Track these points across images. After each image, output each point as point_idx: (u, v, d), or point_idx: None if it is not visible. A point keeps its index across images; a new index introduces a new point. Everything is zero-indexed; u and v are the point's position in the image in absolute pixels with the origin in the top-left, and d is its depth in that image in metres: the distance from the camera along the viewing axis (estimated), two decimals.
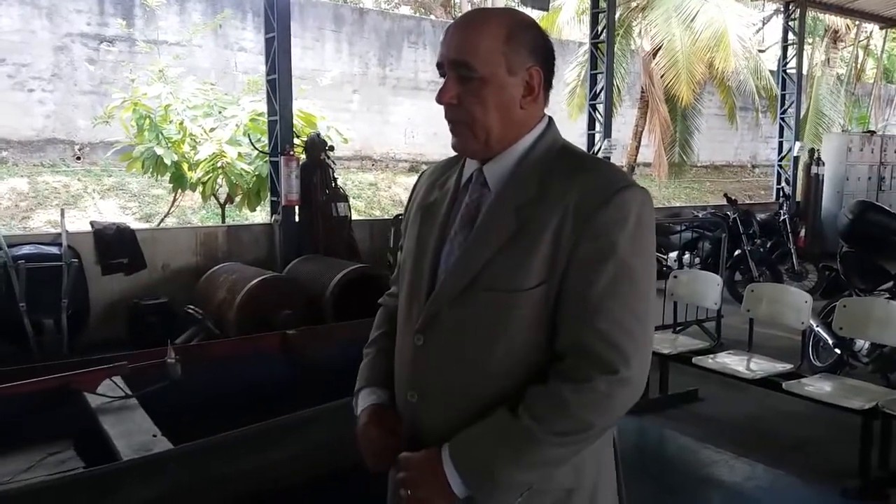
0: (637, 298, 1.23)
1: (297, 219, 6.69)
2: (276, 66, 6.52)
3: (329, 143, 6.84)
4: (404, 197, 10.94)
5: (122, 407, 2.89)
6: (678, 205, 13.45)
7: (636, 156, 13.34)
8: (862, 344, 4.76)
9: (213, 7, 11.69)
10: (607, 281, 1.20)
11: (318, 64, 12.45)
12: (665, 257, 8.33)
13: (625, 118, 14.02)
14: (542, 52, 1.32)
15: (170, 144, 7.41)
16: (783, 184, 11.38)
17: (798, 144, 11.27)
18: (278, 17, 6.47)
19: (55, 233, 5.85)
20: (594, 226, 1.21)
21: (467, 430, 1.24)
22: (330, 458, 2.46)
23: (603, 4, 8.72)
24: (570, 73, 12.27)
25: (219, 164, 7.31)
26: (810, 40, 16.92)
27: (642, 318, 1.23)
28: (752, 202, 12.70)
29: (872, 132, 12.89)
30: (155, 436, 2.62)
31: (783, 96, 11.34)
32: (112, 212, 10.04)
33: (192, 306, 5.45)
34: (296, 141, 6.78)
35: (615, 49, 9.49)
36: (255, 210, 8.11)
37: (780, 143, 11.48)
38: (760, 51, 14.82)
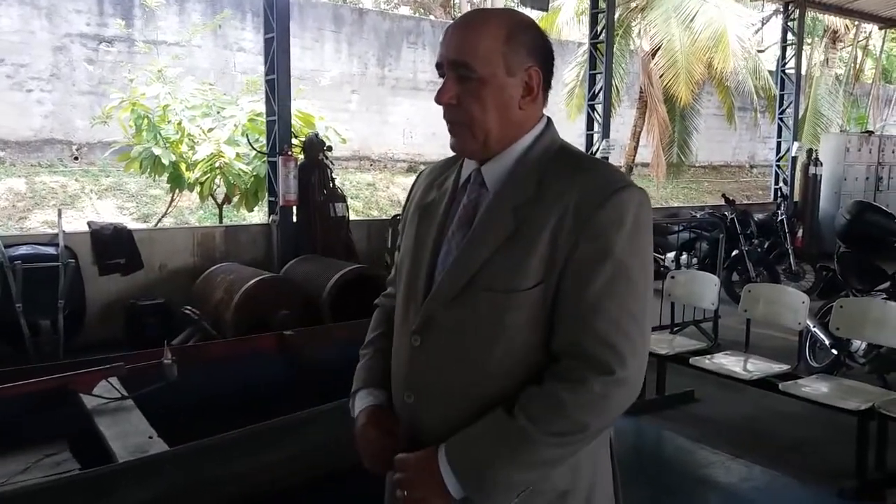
0: (634, 299, 1.22)
1: (294, 219, 6.69)
2: (274, 67, 6.51)
3: (327, 144, 6.84)
4: (402, 197, 10.96)
5: (119, 408, 2.88)
6: (676, 205, 13.47)
7: (634, 156, 13.36)
8: (859, 344, 4.76)
9: (212, 7, 11.69)
10: (604, 281, 1.20)
11: (317, 64, 12.46)
12: (663, 258, 8.33)
13: (623, 118, 14.03)
14: (542, 53, 1.32)
15: (168, 144, 7.40)
16: (781, 184, 11.41)
17: (796, 144, 11.29)
18: (277, 18, 6.47)
19: (52, 233, 5.84)
20: (592, 226, 1.21)
21: (463, 430, 1.24)
22: (327, 459, 2.46)
23: (602, 5, 8.73)
24: (569, 73, 12.28)
25: (217, 165, 7.30)
26: (809, 40, 16.94)
27: (639, 318, 1.23)
28: (750, 202, 12.71)
29: (870, 132, 12.90)
30: (151, 437, 2.62)
31: (782, 96, 11.35)
32: (109, 212, 10.03)
33: (189, 307, 5.45)
34: (294, 141, 6.78)
35: (614, 49, 9.49)
36: (252, 210, 8.10)
37: (779, 144, 11.50)
38: (759, 51, 14.85)
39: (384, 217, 9.87)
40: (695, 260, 8.18)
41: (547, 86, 1.33)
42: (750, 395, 4.39)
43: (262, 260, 6.62)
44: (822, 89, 14.99)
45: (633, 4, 12.11)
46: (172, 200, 8.67)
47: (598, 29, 8.82)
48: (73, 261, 5.53)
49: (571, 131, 10.49)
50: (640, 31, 12.67)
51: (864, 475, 3.51)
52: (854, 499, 3.42)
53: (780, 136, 11.46)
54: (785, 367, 4.06)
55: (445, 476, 1.22)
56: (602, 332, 1.20)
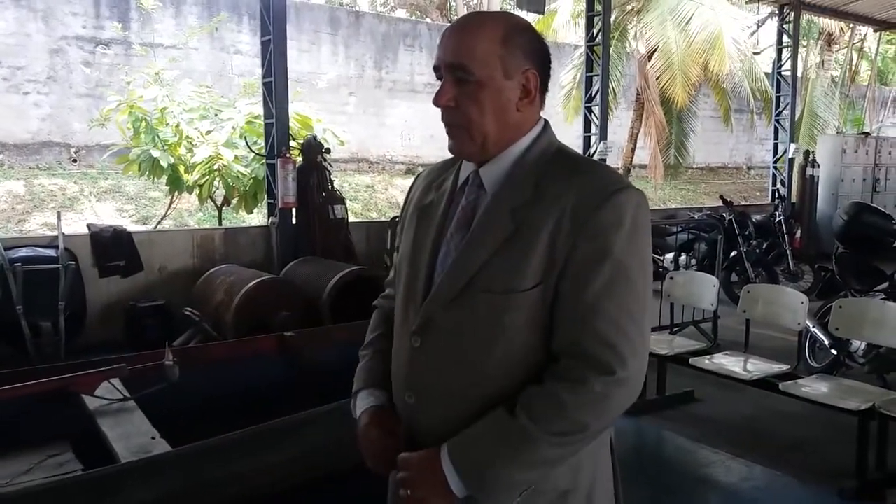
0: (633, 299, 1.23)
1: (293, 221, 6.69)
2: (272, 69, 6.52)
3: (325, 146, 6.85)
4: (401, 199, 10.92)
5: (121, 409, 2.89)
6: (674, 206, 13.50)
7: (632, 158, 13.38)
8: (858, 344, 4.77)
9: (209, 10, 11.69)
10: (603, 282, 1.21)
11: (314, 67, 12.47)
12: (661, 259, 8.35)
13: (620, 120, 14.06)
14: (539, 55, 1.32)
15: (166, 147, 7.40)
16: (778, 185, 11.44)
17: (793, 146, 11.32)
18: (274, 20, 6.48)
19: (52, 235, 5.84)
20: (590, 228, 1.21)
21: (465, 430, 1.24)
22: (328, 460, 2.46)
23: (598, 7, 8.75)
24: (565, 75, 12.31)
25: (215, 167, 7.30)
26: (805, 43, 16.97)
27: (638, 318, 1.24)
28: (748, 204, 12.74)
29: (867, 134, 12.95)
30: (153, 438, 2.62)
31: (778, 98, 11.38)
32: (109, 214, 10.03)
33: (189, 308, 5.45)
34: (292, 143, 6.78)
35: (611, 52, 9.52)
36: (251, 212, 8.10)
37: (775, 145, 11.53)
38: (755, 53, 14.88)
39: (383, 219, 9.88)
40: (693, 261, 8.21)
41: (544, 88, 1.34)
42: (750, 395, 4.40)
43: (261, 262, 6.62)
44: (818, 91, 15.03)
45: (629, 7, 12.14)
46: (171, 203, 8.67)
47: (595, 31, 8.84)
48: (73, 263, 5.53)
49: (569, 133, 10.51)
50: (636, 34, 12.70)
51: (864, 475, 3.51)
52: (854, 499, 3.42)
53: (776, 137, 11.50)
54: (785, 367, 4.06)
55: (448, 475, 1.23)
56: (602, 333, 1.20)
